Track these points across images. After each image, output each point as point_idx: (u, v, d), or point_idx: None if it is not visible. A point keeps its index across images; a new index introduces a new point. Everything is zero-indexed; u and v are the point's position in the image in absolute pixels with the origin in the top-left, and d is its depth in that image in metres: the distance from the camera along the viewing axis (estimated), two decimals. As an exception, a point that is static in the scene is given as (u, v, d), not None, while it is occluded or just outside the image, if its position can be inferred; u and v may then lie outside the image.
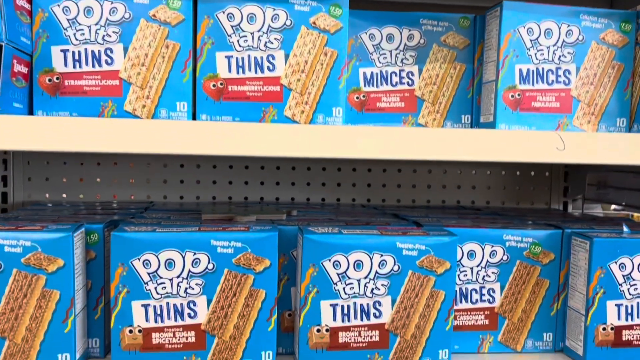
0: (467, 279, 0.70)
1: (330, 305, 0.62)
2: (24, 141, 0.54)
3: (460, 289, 0.70)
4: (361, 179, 1.02)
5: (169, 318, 0.60)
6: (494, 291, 0.70)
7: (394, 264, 0.62)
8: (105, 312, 0.65)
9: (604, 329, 0.66)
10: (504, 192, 1.06)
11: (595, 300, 0.66)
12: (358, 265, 0.62)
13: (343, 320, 0.62)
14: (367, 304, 0.63)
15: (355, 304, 0.62)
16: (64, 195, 0.96)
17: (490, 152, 0.60)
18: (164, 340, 0.60)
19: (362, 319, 0.63)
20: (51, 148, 0.54)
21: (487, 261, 0.70)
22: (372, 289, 0.63)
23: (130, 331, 0.60)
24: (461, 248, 0.69)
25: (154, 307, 0.60)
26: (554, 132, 0.62)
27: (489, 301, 0.71)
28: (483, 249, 0.70)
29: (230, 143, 0.57)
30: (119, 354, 0.60)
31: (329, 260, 0.62)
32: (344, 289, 0.62)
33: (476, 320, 0.71)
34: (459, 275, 0.70)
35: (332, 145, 0.58)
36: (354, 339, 0.63)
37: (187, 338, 0.61)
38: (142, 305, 0.60)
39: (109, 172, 0.97)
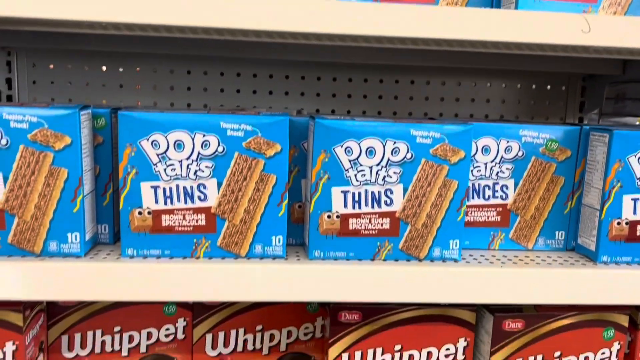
0: (481, 175, 0.69)
1: (341, 192, 0.61)
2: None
3: (473, 185, 0.69)
4: (373, 90, 1.00)
5: (178, 200, 0.60)
6: (507, 188, 0.69)
7: (407, 152, 0.61)
8: (114, 199, 0.65)
9: (618, 223, 0.65)
10: (518, 106, 1.03)
11: (612, 195, 0.64)
12: (370, 152, 0.61)
13: (354, 207, 0.62)
14: (379, 192, 0.62)
15: (366, 191, 0.62)
16: (70, 100, 0.95)
17: (511, 32, 0.57)
18: (174, 223, 0.60)
19: (372, 207, 0.62)
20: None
21: (502, 157, 0.68)
22: (384, 177, 0.61)
23: (140, 213, 0.60)
24: (476, 143, 0.67)
25: (164, 189, 0.59)
26: (579, 14, 0.59)
27: (501, 198, 0.70)
28: (498, 144, 0.68)
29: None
30: (129, 236, 0.60)
31: (341, 147, 0.60)
32: (355, 176, 0.61)
33: (488, 217, 0.70)
34: (472, 171, 0.68)
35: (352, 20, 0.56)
36: (365, 226, 0.62)
37: (197, 221, 0.60)
38: (152, 187, 0.59)
39: (115, 78, 0.95)
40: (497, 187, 0.70)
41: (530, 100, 1.04)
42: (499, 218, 0.70)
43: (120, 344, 0.69)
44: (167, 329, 0.70)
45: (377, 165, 0.61)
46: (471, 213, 0.70)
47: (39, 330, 0.65)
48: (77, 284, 0.57)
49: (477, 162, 0.68)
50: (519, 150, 0.69)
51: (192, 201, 0.60)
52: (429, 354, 0.66)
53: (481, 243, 0.70)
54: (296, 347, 0.72)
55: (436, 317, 0.66)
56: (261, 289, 0.60)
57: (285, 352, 0.72)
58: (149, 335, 0.70)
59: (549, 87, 1.04)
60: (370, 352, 0.66)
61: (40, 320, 0.66)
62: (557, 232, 0.71)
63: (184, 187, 0.60)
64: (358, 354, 0.66)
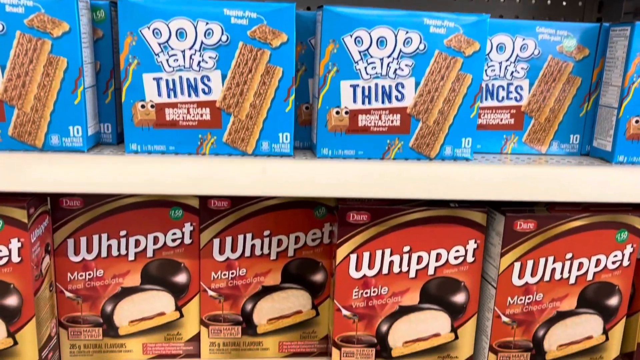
0: (495, 75, 0.66)
1: (351, 86, 0.59)
2: None
3: (487, 85, 0.66)
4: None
5: (182, 93, 0.58)
6: (521, 88, 0.67)
7: (420, 43, 0.58)
8: (116, 98, 0.63)
9: (636, 121, 0.63)
10: (534, 6, 0.99)
11: (631, 91, 0.62)
12: (381, 42, 0.58)
13: (363, 103, 0.60)
14: (389, 86, 0.60)
15: (376, 85, 0.59)
16: None
17: None
18: (178, 117, 0.58)
19: (383, 102, 0.60)
20: None
21: (517, 55, 0.66)
22: (395, 70, 0.59)
23: (143, 106, 0.58)
24: (490, 40, 0.64)
25: (166, 80, 0.57)
26: None
27: (516, 99, 0.67)
28: (513, 42, 0.65)
29: None
30: (132, 130, 0.58)
31: (350, 36, 0.58)
32: (365, 68, 0.59)
33: (501, 120, 0.68)
34: (486, 71, 0.66)
35: None
36: (374, 123, 0.60)
37: (201, 115, 0.58)
38: (154, 79, 0.57)
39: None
40: (512, 88, 0.67)
41: (546, 1, 1.00)
42: (512, 121, 0.68)
43: (127, 248, 0.69)
44: (174, 234, 0.69)
45: (388, 57, 0.59)
46: (484, 115, 0.68)
47: (44, 232, 0.65)
48: (81, 177, 0.56)
49: (491, 61, 0.66)
50: (535, 48, 0.66)
51: (196, 94, 0.58)
52: (438, 255, 0.66)
53: (493, 147, 0.69)
54: (304, 253, 0.72)
55: (446, 219, 0.65)
56: (269, 184, 0.58)
57: (293, 258, 0.72)
58: (156, 240, 0.69)
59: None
60: (378, 253, 0.65)
61: (45, 222, 0.65)
62: (572, 136, 0.69)
63: (188, 79, 0.58)
64: (366, 255, 0.65)
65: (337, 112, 0.60)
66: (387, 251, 0.65)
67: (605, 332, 0.69)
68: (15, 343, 0.63)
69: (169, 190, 0.57)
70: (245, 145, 0.60)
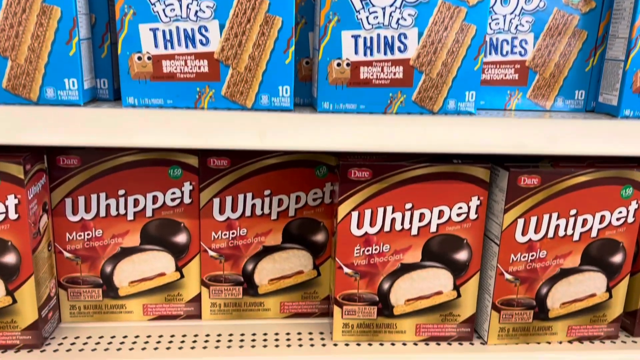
0: (499, 28, 0.65)
1: (352, 36, 0.58)
2: None
3: (491, 39, 0.65)
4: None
5: (179, 44, 0.56)
6: (526, 42, 0.65)
7: (423, -9, 0.57)
8: (113, 52, 0.62)
9: (643, 74, 0.62)
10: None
11: (638, 43, 0.60)
12: (383, -9, 0.57)
13: (365, 54, 0.58)
14: (392, 36, 0.58)
15: (378, 35, 0.58)
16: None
17: None
18: (175, 69, 0.57)
19: (385, 53, 0.58)
20: None
21: (522, 8, 0.64)
22: (398, 19, 0.58)
23: (139, 58, 0.56)
24: (494, -8, 0.63)
25: (163, 31, 0.56)
26: None
27: (520, 54, 0.66)
28: (518, -6, 0.64)
29: None
30: (129, 83, 0.57)
31: (352, -15, 0.56)
32: (367, 18, 0.57)
33: (505, 75, 0.67)
34: (490, 24, 0.64)
35: None
36: (376, 75, 0.59)
37: (199, 67, 0.57)
38: (150, 30, 0.56)
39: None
40: (516, 42, 0.66)
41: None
42: (516, 76, 0.67)
43: (126, 207, 0.68)
44: (173, 193, 0.69)
45: (391, 5, 0.57)
46: (487, 70, 0.66)
47: (41, 190, 0.64)
48: (77, 130, 0.55)
49: (495, 14, 0.64)
50: (540, 0, 0.64)
51: (194, 45, 0.57)
52: (441, 212, 0.65)
53: (497, 103, 0.68)
54: (305, 213, 0.71)
55: (448, 175, 0.64)
56: (268, 139, 0.57)
57: (294, 218, 0.71)
58: (155, 199, 0.68)
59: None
60: (380, 210, 0.65)
61: (42, 180, 0.64)
62: (577, 92, 0.68)
63: (185, 30, 0.56)
64: (368, 212, 0.64)
65: (338, 64, 0.59)
66: (389, 208, 0.65)
67: (609, 289, 0.68)
68: (15, 301, 0.62)
69: (167, 144, 0.56)
70: (244, 98, 0.59)
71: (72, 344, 0.66)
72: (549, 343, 0.69)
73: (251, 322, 0.73)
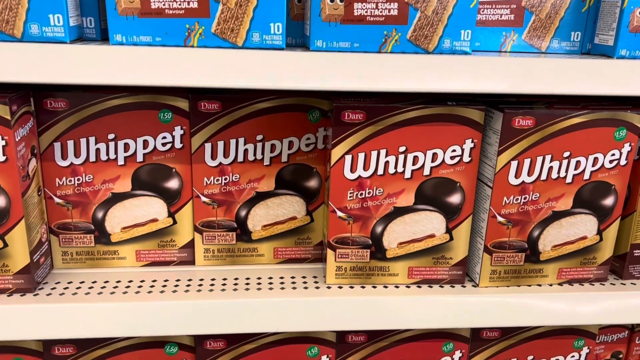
0: (495, -34, 0.63)
1: (346, -29, 0.56)
2: None
3: (487, -22, 0.64)
4: None
5: (167, -22, 0.55)
6: (523, -19, 0.64)
7: None
8: (98, -11, 0.60)
9: (640, 12, 0.61)
10: None
11: (637, -20, 0.60)
12: None
13: (359, -10, 0.57)
14: (386, -28, 0.57)
15: (373, -30, 0.57)
16: None
17: None
18: (164, 5, 0.55)
19: (380, -11, 0.57)
20: None
21: (520, -55, 0.63)
22: (393, -46, 0.56)
23: (126, -7, 0.55)
24: None
25: (150, -36, 0.54)
26: None
27: (516, -7, 0.65)
28: None
29: None
30: (116, 21, 0.55)
31: None
32: (361, -48, 0.56)
33: (500, 16, 0.66)
34: (486, -38, 0.63)
35: None
36: (371, 12, 0.58)
37: (188, 3, 0.55)
38: (137, -37, 0.54)
39: None
40: (513, -19, 0.65)
41: None
42: (512, 17, 0.66)
43: (116, 152, 0.67)
44: (164, 138, 0.67)
45: (385, -61, 0.56)
46: (483, 11, 0.65)
47: (29, 133, 0.63)
48: (63, 67, 0.54)
49: (492, -49, 0.63)
50: (539, -63, 0.63)
51: (183, -21, 0.55)
52: (434, 155, 0.65)
53: (492, 44, 0.67)
54: (298, 159, 0.71)
55: (443, 117, 0.63)
56: (260, 77, 0.56)
57: (287, 163, 0.70)
58: (145, 144, 0.67)
59: None
60: (373, 153, 0.64)
61: (29, 123, 0.63)
62: (572, 33, 0.67)
63: (173, -37, 0.55)
64: (361, 156, 0.64)
65: (332, 0, 0.57)
66: (383, 152, 0.64)
67: (600, 232, 0.69)
68: (6, 245, 0.62)
69: (155, 82, 0.55)
70: (235, 36, 0.57)
71: (65, 288, 0.66)
72: (540, 285, 0.70)
73: (245, 268, 0.73)
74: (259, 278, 0.70)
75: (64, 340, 0.67)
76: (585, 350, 0.76)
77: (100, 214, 0.69)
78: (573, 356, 0.76)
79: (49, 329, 0.62)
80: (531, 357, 0.75)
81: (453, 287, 0.69)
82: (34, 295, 0.64)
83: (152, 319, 0.64)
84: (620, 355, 0.79)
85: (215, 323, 0.65)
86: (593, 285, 0.71)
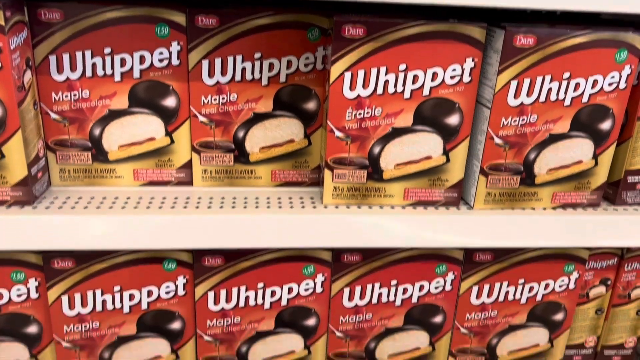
0: None
1: None
2: None
3: None
4: None
5: None
6: None
7: None
8: None
9: None
10: None
11: None
12: None
13: None
14: None
15: None
16: None
17: None
18: None
19: None
20: None
21: None
22: None
23: None
24: None
25: None
26: None
27: None
28: None
29: None
30: None
31: None
32: None
33: None
34: None
35: None
36: None
37: None
38: None
39: None
40: None
41: None
42: None
43: (112, 67, 0.66)
44: (161, 53, 0.66)
45: None
46: None
47: (23, 43, 0.61)
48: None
49: None
50: None
51: None
52: (434, 74, 0.64)
53: (496, -38, 0.66)
54: (296, 79, 0.70)
55: (444, 34, 0.63)
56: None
57: (285, 84, 0.70)
58: (142, 59, 0.66)
59: None
60: (373, 71, 0.63)
61: (23, 33, 0.62)
62: (579, -48, 0.66)
63: None
64: (361, 73, 0.63)
65: None
66: (383, 69, 0.64)
67: (595, 157, 0.69)
68: (3, 156, 0.62)
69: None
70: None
71: (64, 203, 0.66)
72: (534, 209, 0.71)
73: (243, 189, 0.73)
74: (256, 198, 0.71)
75: (63, 252, 0.68)
76: (574, 275, 0.78)
77: (97, 131, 0.69)
78: (563, 280, 0.78)
79: (48, 240, 0.63)
80: (522, 280, 0.77)
81: (447, 209, 0.70)
82: (33, 208, 0.64)
83: (150, 232, 0.64)
84: (609, 282, 0.81)
85: (214, 238, 0.66)
86: (585, 210, 0.72)
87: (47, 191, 0.69)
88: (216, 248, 0.69)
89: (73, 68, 0.66)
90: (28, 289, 0.69)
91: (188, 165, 0.72)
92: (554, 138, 0.68)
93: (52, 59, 0.65)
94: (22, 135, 0.62)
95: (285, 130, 0.72)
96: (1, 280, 0.68)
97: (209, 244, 0.66)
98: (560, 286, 0.78)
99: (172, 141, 0.71)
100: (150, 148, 0.71)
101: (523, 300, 0.78)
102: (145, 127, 0.70)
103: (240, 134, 0.71)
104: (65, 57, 0.65)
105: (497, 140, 0.67)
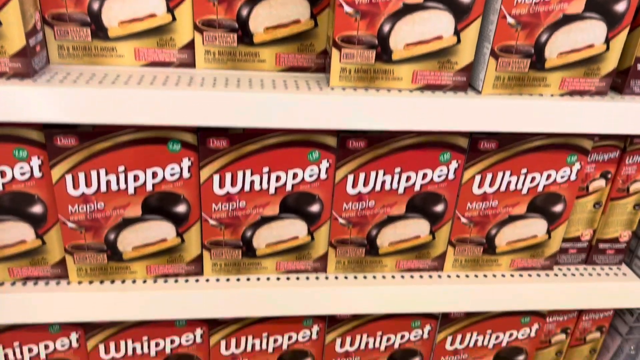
0: None
1: None
2: None
3: None
4: None
5: None
6: None
7: None
8: None
9: None
10: None
11: None
12: None
13: None
14: None
15: None
16: None
17: None
18: None
19: None
20: None
21: None
22: None
23: None
24: None
25: None
26: None
27: None
28: None
29: None
30: None
31: None
32: None
33: None
34: None
35: None
36: None
37: None
38: None
39: None
40: None
41: None
42: None
43: None
44: None
45: None
46: None
47: None
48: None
49: None
50: None
51: None
52: None
53: None
54: (303, -47, 0.67)
55: None
56: None
57: None
58: None
59: None
60: None
61: None
62: None
63: None
64: (373, -58, 0.61)
65: None
66: None
67: (607, 41, 0.68)
68: (0, 23, 0.59)
69: None
70: None
71: (65, 77, 0.64)
72: (541, 95, 0.70)
73: (247, 72, 0.72)
74: (261, 80, 0.69)
75: (66, 130, 0.67)
76: (577, 166, 0.78)
77: (95, 5, 0.66)
78: (565, 171, 0.78)
79: (49, 112, 0.62)
80: (524, 170, 0.77)
81: (455, 93, 0.70)
82: (33, 80, 0.63)
83: (154, 108, 0.63)
84: (609, 175, 0.82)
85: (218, 115, 0.65)
86: (592, 97, 0.72)
87: (46, 68, 0.67)
88: (221, 126, 0.68)
89: None
90: (31, 167, 0.68)
91: (190, 46, 0.70)
92: (568, 19, 0.66)
93: None
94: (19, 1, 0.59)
95: (290, 9, 0.70)
96: (4, 157, 0.67)
97: (214, 122, 0.65)
98: (562, 177, 0.79)
99: (174, 18, 0.68)
100: (151, 25, 0.68)
101: (524, 191, 0.79)
102: (147, 1, 0.67)
103: (244, 11, 0.69)
104: None
105: (510, 20, 0.65)
